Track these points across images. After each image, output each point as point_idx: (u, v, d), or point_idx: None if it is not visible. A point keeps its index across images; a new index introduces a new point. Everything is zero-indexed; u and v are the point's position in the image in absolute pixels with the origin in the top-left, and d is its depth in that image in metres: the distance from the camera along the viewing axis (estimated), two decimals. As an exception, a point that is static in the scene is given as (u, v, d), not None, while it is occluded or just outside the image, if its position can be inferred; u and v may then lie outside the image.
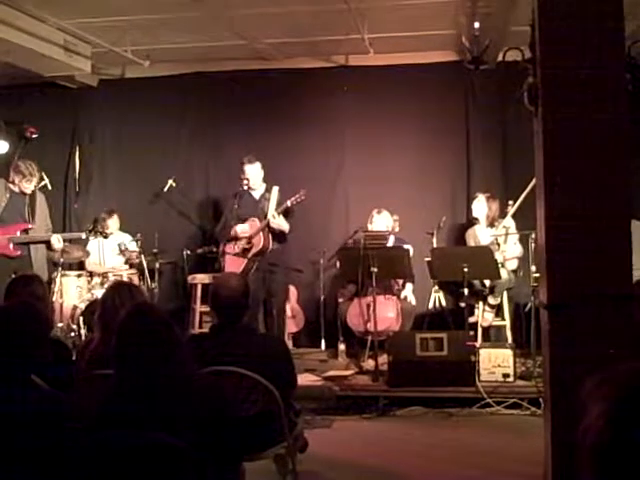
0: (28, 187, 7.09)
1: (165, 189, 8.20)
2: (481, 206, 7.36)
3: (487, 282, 7.05)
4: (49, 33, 7.08)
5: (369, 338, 6.83)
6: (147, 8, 6.51)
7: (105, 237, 7.33)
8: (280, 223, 7.03)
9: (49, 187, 7.82)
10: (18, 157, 7.68)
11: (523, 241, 6.90)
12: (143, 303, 3.41)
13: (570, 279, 3.12)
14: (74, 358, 4.04)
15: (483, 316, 7.15)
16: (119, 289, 3.87)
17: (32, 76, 7.91)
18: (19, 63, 7.34)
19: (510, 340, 6.90)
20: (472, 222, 7.62)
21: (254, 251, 7.05)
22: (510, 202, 7.05)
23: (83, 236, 7.31)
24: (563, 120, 3.21)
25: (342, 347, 7.48)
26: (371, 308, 6.66)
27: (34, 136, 8.33)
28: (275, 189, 7.17)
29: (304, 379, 6.02)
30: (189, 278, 8.06)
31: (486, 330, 7.22)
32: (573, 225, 3.16)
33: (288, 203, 6.95)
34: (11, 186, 7.11)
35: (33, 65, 7.50)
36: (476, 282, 6.99)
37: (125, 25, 7.01)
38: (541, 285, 3.34)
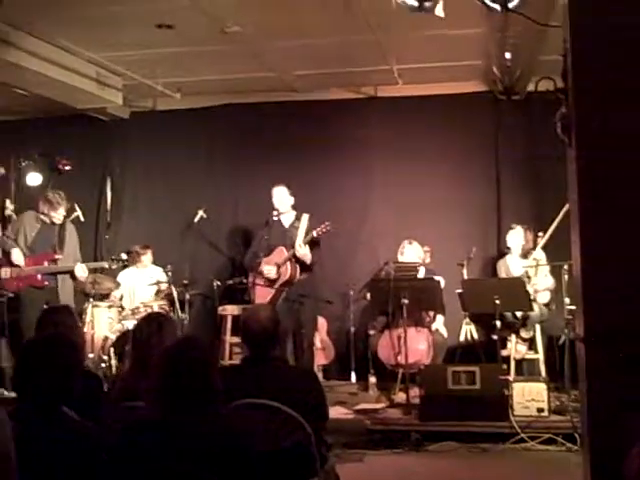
0: (56, 216, 7.17)
1: (195, 220, 8.21)
2: (518, 237, 7.28)
3: (519, 314, 6.95)
4: (82, 66, 7.20)
5: (400, 371, 6.75)
6: (177, 41, 6.59)
7: (126, 266, 7.36)
8: (305, 253, 7.00)
9: (82, 219, 7.89)
10: (50, 189, 7.77)
11: (555, 273, 6.80)
12: (187, 337, 3.41)
13: (607, 311, 3.05)
14: (105, 389, 4.02)
15: (516, 348, 7.04)
16: (150, 321, 3.85)
17: (65, 108, 8.03)
18: (52, 96, 7.46)
19: (544, 374, 6.78)
20: (503, 252, 7.54)
21: (281, 281, 7.03)
22: (540, 234, 6.97)
23: (106, 265, 7.35)
24: (598, 150, 3.16)
25: (373, 380, 7.40)
26: (402, 340, 6.60)
27: (67, 168, 8.43)
28: (305, 217, 7.14)
29: (335, 412, 5.94)
30: (219, 309, 8.06)
31: (519, 363, 7.11)
32: (609, 256, 3.10)
33: (314, 234, 6.93)
34: (42, 217, 7.20)
35: (66, 97, 7.63)
36: (508, 314, 6.90)
37: (156, 58, 7.10)
38: (577, 317, 3.27)
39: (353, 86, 8.35)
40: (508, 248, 7.39)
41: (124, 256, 7.37)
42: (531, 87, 3.71)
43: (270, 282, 7.11)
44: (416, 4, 3.19)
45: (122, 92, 8.03)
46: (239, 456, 2.65)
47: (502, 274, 7.36)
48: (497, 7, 3.07)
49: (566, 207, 6.44)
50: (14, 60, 6.23)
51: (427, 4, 3.19)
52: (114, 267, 7.52)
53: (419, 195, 8.15)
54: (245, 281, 7.47)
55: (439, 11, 3.25)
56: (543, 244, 6.92)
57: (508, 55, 3.43)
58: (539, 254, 6.98)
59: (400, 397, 6.64)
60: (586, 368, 3.12)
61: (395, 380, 6.91)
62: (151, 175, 8.85)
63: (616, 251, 3.08)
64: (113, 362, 6.93)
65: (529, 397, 5.99)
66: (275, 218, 7.16)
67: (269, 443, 3.36)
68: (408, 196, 8.17)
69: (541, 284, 6.96)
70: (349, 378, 7.76)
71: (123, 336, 6.88)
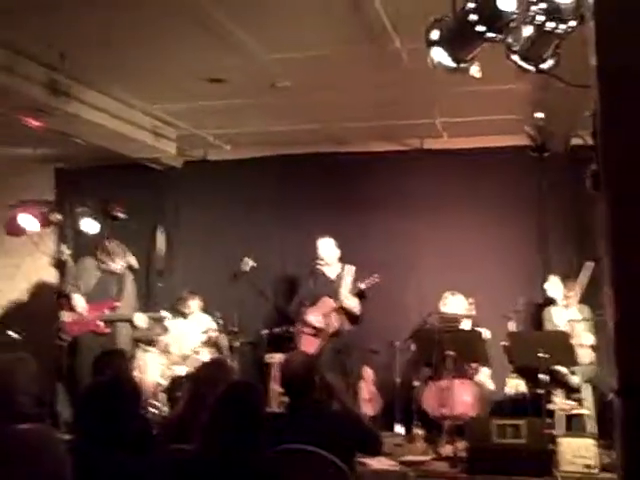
0: (115, 266, 7.41)
1: (244, 269, 8.31)
2: (556, 287, 7.25)
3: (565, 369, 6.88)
4: (138, 117, 7.43)
5: (446, 423, 6.71)
6: (228, 95, 6.81)
7: (184, 317, 7.52)
8: (353, 305, 7.07)
9: (135, 266, 8.10)
10: (106, 237, 8.01)
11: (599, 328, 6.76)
12: (240, 382, 3.55)
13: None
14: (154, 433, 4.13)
15: (564, 403, 6.93)
16: (206, 368, 4.03)
17: (120, 157, 8.23)
18: (109, 145, 7.71)
19: (595, 430, 6.66)
20: (549, 302, 7.52)
21: (328, 331, 7.10)
22: (570, 294, 6.99)
23: (163, 314, 7.52)
24: (628, 206, 3.18)
25: (419, 431, 7.35)
26: (446, 392, 6.59)
27: (121, 215, 8.67)
28: (350, 268, 7.24)
29: (380, 463, 5.95)
30: (266, 357, 8.13)
31: (570, 419, 6.99)
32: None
33: (362, 286, 7.02)
34: (101, 265, 7.45)
35: (122, 147, 7.85)
36: (555, 368, 6.83)
37: (208, 110, 7.32)
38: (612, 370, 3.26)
39: (399, 138, 8.49)
40: (552, 299, 7.36)
41: (184, 309, 7.53)
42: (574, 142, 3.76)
43: (317, 332, 7.19)
44: (453, 65, 3.31)
45: (176, 142, 8.27)
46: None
47: (547, 325, 7.32)
48: (531, 68, 3.16)
49: (590, 264, 6.42)
50: (74, 111, 6.45)
51: (463, 65, 3.31)
52: (169, 319, 7.67)
53: (464, 246, 8.15)
54: (292, 330, 7.56)
55: (474, 72, 3.35)
56: (578, 300, 6.94)
57: (540, 115, 3.50)
58: (574, 313, 6.96)
59: (447, 449, 6.59)
60: (621, 423, 3.10)
61: (441, 432, 6.87)
62: (202, 223, 9.02)
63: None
64: (165, 408, 7.03)
65: (577, 453, 5.89)
66: (319, 267, 7.27)
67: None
68: (453, 247, 8.19)
69: (579, 341, 6.88)
70: (394, 429, 7.74)
71: (174, 382, 7.01)
